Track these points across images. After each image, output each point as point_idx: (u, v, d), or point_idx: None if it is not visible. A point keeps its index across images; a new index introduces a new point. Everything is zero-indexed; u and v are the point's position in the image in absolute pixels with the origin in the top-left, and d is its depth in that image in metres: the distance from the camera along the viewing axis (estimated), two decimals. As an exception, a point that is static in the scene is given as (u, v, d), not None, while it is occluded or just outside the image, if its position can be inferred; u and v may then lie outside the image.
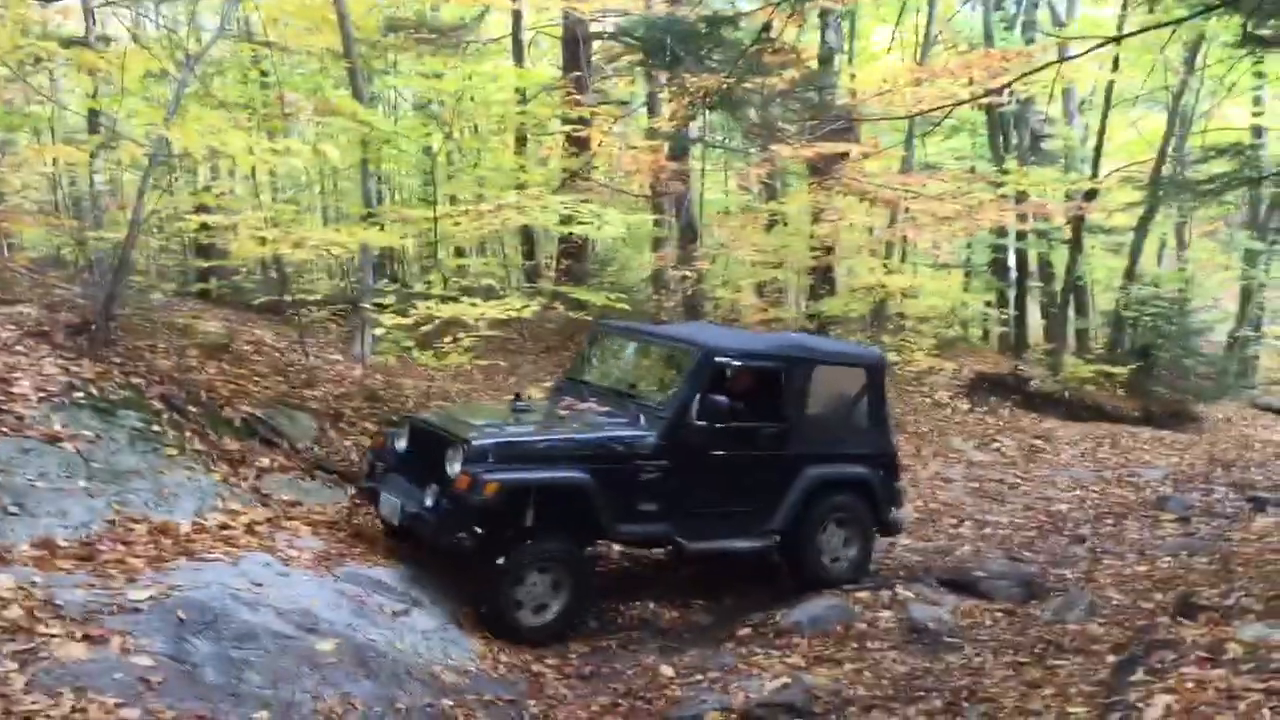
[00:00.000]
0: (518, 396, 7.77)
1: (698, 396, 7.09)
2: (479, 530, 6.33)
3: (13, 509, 5.61)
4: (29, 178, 13.69)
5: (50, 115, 13.64)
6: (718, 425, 7.13)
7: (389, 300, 9.96)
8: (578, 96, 14.05)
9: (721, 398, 7.10)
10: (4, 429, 6.10)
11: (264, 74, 14.65)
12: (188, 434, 7.25)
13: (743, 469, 7.35)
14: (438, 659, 5.81)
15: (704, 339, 7.63)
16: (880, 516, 8.09)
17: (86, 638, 4.33)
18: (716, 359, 7.28)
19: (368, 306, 10.24)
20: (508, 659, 6.31)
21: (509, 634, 6.46)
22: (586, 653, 6.67)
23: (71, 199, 13.88)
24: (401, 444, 7.22)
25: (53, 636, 4.29)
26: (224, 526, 6.47)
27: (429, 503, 6.48)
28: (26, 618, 4.40)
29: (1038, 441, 14.65)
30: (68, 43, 10.97)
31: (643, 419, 7.12)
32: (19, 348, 7.08)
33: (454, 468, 6.46)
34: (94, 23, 12.73)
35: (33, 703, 3.79)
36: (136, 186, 8.72)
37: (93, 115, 10.63)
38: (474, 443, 6.48)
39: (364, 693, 4.93)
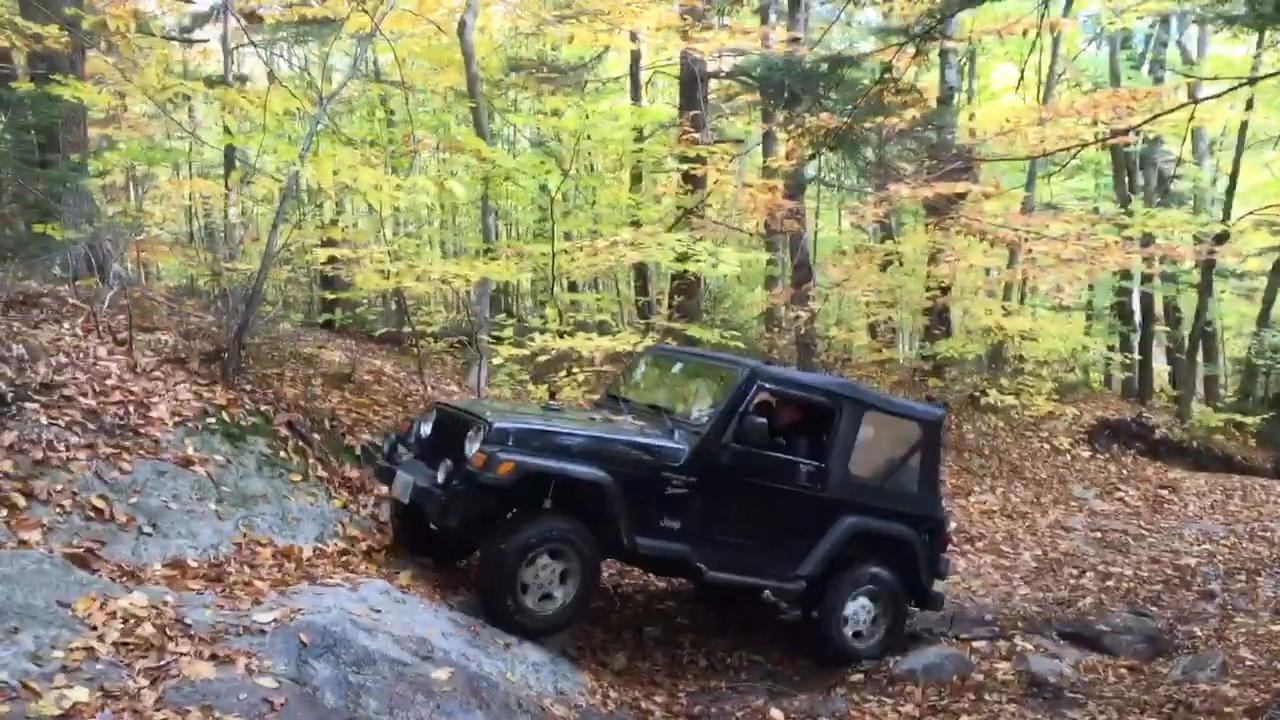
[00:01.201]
0: (552, 395, 7.43)
1: (737, 417, 6.77)
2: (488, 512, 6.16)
3: (147, 529, 5.83)
4: (168, 210, 14.32)
5: (189, 151, 14.27)
6: (755, 450, 6.81)
7: (505, 333, 10.12)
8: (694, 134, 14.13)
9: (762, 419, 6.79)
10: (142, 451, 6.35)
11: (391, 112, 15.10)
12: (311, 461, 7.45)
13: (776, 503, 6.98)
14: (548, 692, 5.83)
15: (753, 363, 7.38)
16: (919, 586, 7.55)
17: (214, 657, 4.45)
18: (761, 381, 6.99)
19: (484, 338, 10.42)
20: (616, 695, 6.30)
21: (507, 620, 6.13)
22: (695, 692, 6.63)
23: (206, 231, 14.46)
24: (426, 429, 7.03)
25: (182, 655, 4.42)
26: (343, 552, 6.63)
27: (440, 478, 6.24)
28: (158, 635, 4.54)
29: (1163, 492, 14.14)
30: (211, 82, 11.46)
31: (677, 434, 6.80)
32: (157, 374, 7.37)
33: (472, 447, 6.21)
34: (232, 63, 13.30)
35: (162, 718, 3.90)
36: (269, 220, 9.04)
37: (229, 151, 11.08)
38: (495, 424, 6.24)
39: (477, 722, 4.96)
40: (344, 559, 6.52)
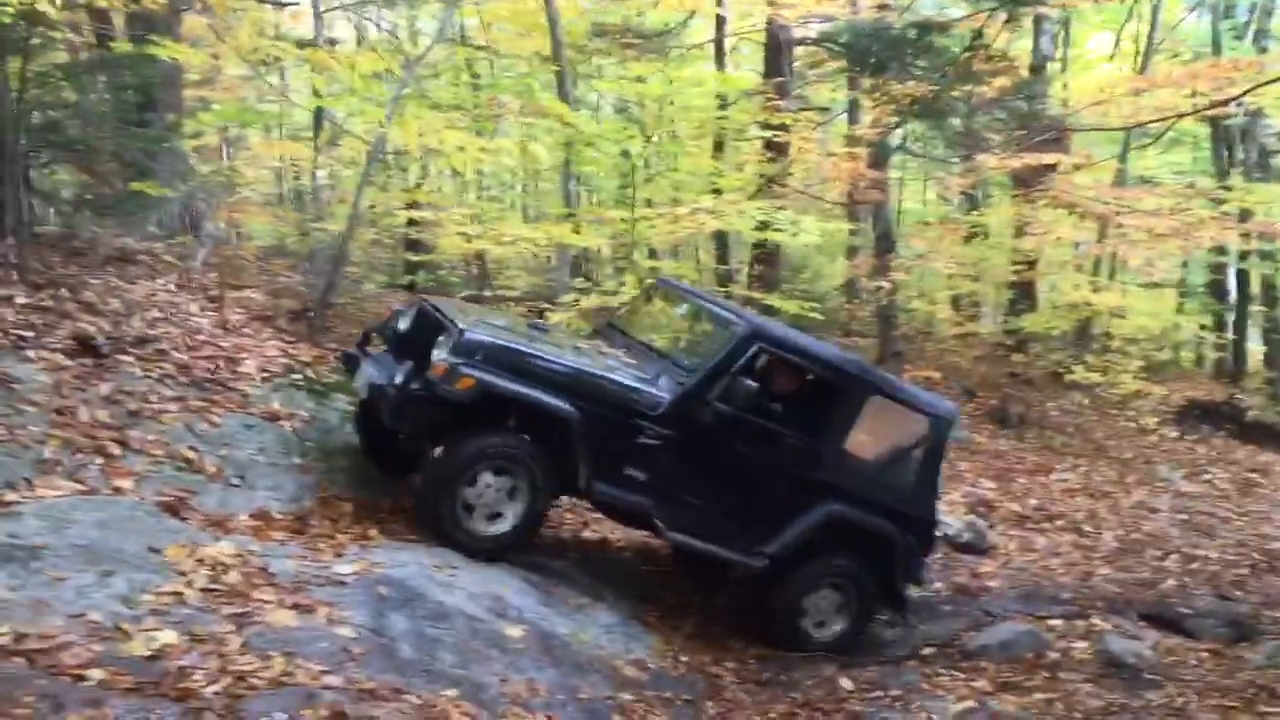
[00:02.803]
0: (540, 315, 6.79)
1: (728, 376, 6.32)
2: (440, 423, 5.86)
3: (235, 480, 6.00)
4: (259, 171, 14.59)
5: (279, 113, 14.51)
6: (741, 413, 6.34)
7: (584, 298, 10.16)
8: (778, 102, 13.98)
9: (753, 382, 6.30)
10: (231, 405, 6.53)
11: (476, 76, 15.17)
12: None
13: (754, 472, 6.55)
14: (618, 653, 5.90)
15: (756, 320, 6.85)
16: (892, 587, 7.08)
17: (296, 606, 4.58)
18: (760, 343, 6.51)
19: (564, 303, 10.48)
20: (687, 659, 6.36)
21: (447, 536, 5.86)
22: (765, 659, 6.65)
23: (295, 192, 14.71)
24: (404, 324, 6.72)
25: (265, 602, 4.56)
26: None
27: (398, 379, 5.94)
28: (244, 583, 4.69)
29: (1253, 475, 13.77)
30: (302, 44, 11.63)
31: (663, 380, 6.36)
32: (246, 330, 7.56)
33: (439, 354, 5.92)
34: (323, 26, 13.46)
35: (246, 663, 4.02)
36: (356, 182, 9.18)
37: (318, 113, 11.24)
38: (467, 335, 5.90)
39: (548, 680, 5.04)
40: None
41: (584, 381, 6.11)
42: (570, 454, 6.05)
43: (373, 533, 5.92)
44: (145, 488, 5.51)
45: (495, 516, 5.99)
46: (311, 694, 3.88)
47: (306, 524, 5.86)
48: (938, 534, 7.70)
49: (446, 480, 5.86)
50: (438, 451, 5.93)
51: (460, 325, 6.01)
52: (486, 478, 5.91)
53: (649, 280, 8.97)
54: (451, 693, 4.40)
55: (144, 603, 4.28)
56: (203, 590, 4.51)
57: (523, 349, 6.09)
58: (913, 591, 7.30)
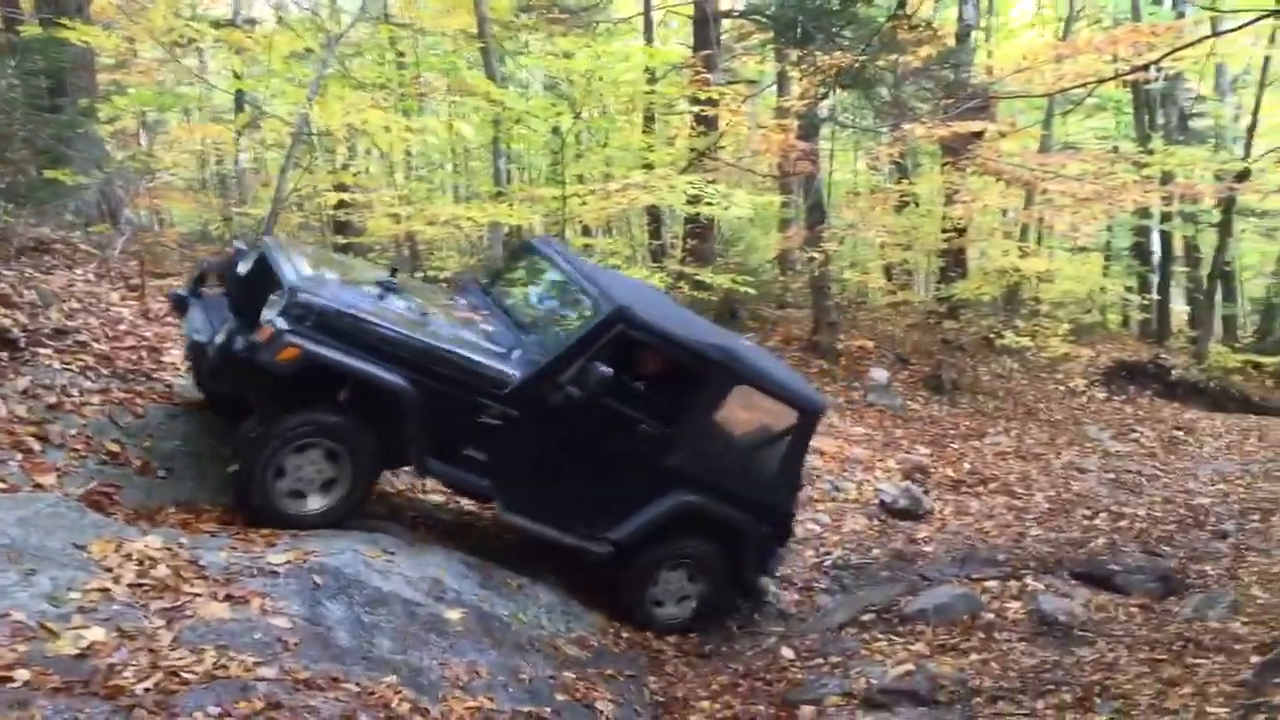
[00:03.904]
0: (394, 272, 6.34)
1: (583, 359, 5.92)
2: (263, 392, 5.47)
3: (161, 473, 5.87)
4: (179, 156, 14.28)
5: (198, 95, 14.19)
6: (594, 400, 5.95)
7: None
8: (707, 75, 13.97)
9: (608, 370, 5.86)
10: (155, 396, 6.39)
11: (400, 54, 14.96)
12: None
13: (605, 461, 6.24)
14: (560, 632, 5.90)
15: (624, 298, 6.24)
16: (741, 577, 6.92)
17: (228, 598, 4.50)
18: (623, 326, 6.07)
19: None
20: (628, 635, 6.38)
21: (255, 515, 5.50)
22: (707, 632, 6.69)
23: (217, 176, 14.42)
24: (245, 267, 6.14)
25: (196, 596, 4.47)
26: (357, 495, 6.66)
27: (219, 337, 5.51)
28: (173, 577, 4.59)
29: (1179, 433, 14.11)
30: (217, 24, 11.38)
31: (516, 356, 6.01)
32: (169, 320, 7.39)
33: (267, 314, 5.43)
34: (240, 5, 13.18)
35: (178, 657, 3.95)
36: (279, 165, 9.01)
37: (239, 95, 11.02)
38: (299, 297, 5.42)
39: (489, 662, 5.02)
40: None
41: (425, 355, 5.67)
42: (402, 432, 5.66)
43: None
44: (68, 483, 5.37)
45: (314, 494, 5.62)
46: (246, 686, 3.82)
47: (237, 515, 5.75)
48: (795, 525, 7.48)
49: (259, 458, 5.44)
50: (251, 426, 5.55)
51: (296, 283, 5.51)
52: (307, 455, 5.55)
53: (522, 239, 8.58)
54: (391, 679, 4.37)
55: (70, 600, 4.17)
56: (131, 585, 4.40)
57: (360, 315, 5.58)
58: (853, 559, 7.38)
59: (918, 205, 17.09)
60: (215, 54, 14.47)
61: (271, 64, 8.94)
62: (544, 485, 6.15)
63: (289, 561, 4.99)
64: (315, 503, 5.62)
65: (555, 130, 14.58)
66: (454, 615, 5.25)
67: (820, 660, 6.16)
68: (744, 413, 6.77)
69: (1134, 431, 14.01)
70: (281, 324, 5.32)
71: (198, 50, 13.35)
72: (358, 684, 4.20)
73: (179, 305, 6.27)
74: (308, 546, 5.26)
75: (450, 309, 6.46)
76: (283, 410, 5.49)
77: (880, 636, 6.50)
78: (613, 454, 6.25)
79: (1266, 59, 18.36)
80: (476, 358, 5.85)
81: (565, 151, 12.91)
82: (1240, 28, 14.21)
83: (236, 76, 10.13)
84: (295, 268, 5.73)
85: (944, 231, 15.92)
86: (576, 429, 6.05)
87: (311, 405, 5.56)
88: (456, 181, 20.28)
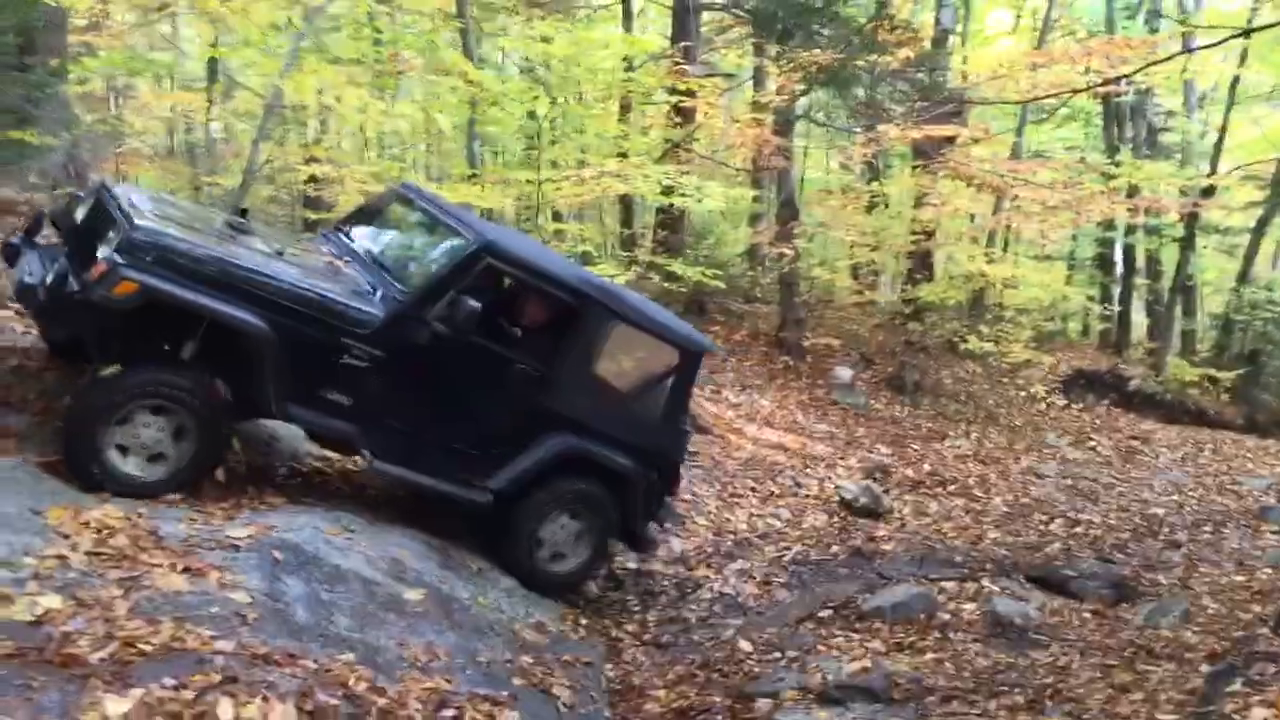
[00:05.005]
0: (243, 212, 6.03)
1: (450, 293, 5.70)
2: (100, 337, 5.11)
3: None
4: (148, 122, 14.08)
5: (171, 62, 13.99)
6: (464, 336, 5.74)
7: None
8: (685, 66, 13.96)
9: (476, 303, 5.66)
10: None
11: (378, 31, 14.82)
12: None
13: (479, 403, 6.01)
14: (519, 616, 5.89)
15: (491, 234, 6.07)
16: (630, 526, 6.73)
17: (187, 570, 4.45)
18: (491, 259, 5.87)
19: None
20: (587, 622, 6.38)
21: (91, 483, 5.04)
22: (666, 622, 6.71)
23: (186, 145, 14.24)
24: (82, 213, 5.69)
25: (155, 566, 4.41)
26: (319, 473, 6.62)
27: (49, 278, 5.14)
28: (131, 546, 4.53)
29: (1135, 442, 14.30)
30: (193, -10, 11.21)
31: (379, 296, 5.74)
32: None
33: (103, 250, 5.05)
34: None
35: (135, 628, 3.89)
36: (251, 136, 8.91)
37: (212, 65, 10.87)
38: (137, 232, 5.02)
39: (448, 643, 5.00)
40: (320, 480, 6.52)
41: (279, 293, 5.32)
42: (258, 376, 5.32)
43: (269, 495, 5.78)
44: (26, 447, 5.28)
45: (155, 458, 5.21)
46: (202, 659, 3.78)
47: (199, 485, 5.69)
48: (684, 471, 7.24)
49: (90, 419, 5.05)
50: (83, 383, 5.19)
51: (134, 218, 5.12)
52: (143, 417, 5.14)
53: (389, 185, 8.11)
54: (348, 657, 4.34)
55: (26, 566, 4.10)
56: (88, 554, 4.34)
57: (206, 250, 5.23)
58: (813, 555, 7.42)
59: (888, 206, 17.19)
60: (189, 20, 14.28)
61: (248, 34, 8.82)
62: (416, 431, 5.89)
63: (249, 536, 4.95)
64: (155, 469, 5.21)
65: (531, 114, 14.52)
66: (414, 595, 5.23)
67: (777, 654, 6.19)
68: (624, 354, 6.57)
69: (1091, 440, 14.18)
70: (117, 258, 4.92)
71: (172, 16, 13.18)
72: (314, 661, 4.16)
73: (9, 256, 5.77)
74: (268, 521, 5.22)
75: (310, 251, 6.18)
76: (120, 363, 5.09)
77: (838, 633, 6.54)
78: (488, 397, 6.01)
79: (1236, 78, 18.62)
80: (336, 295, 5.55)
81: (541, 136, 12.85)
82: (1212, 45, 14.43)
83: (211, 44, 9.98)
84: (135, 206, 5.35)
85: (912, 234, 16.02)
86: (448, 370, 5.84)
87: (152, 360, 5.22)
88: (429, 161, 20.15)
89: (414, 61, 13.98)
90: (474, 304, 5.63)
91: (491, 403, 6.04)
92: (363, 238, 6.55)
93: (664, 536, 8.03)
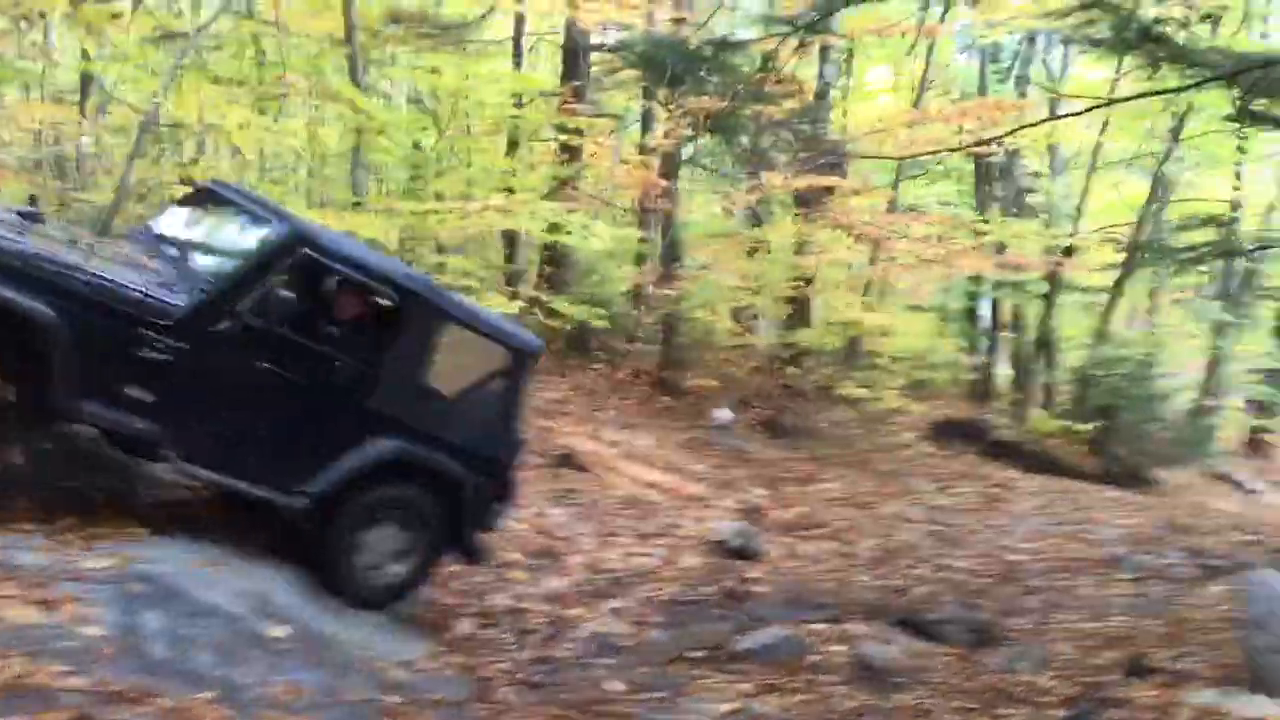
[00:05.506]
0: (33, 200, 5.64)
1: (261, 285, 5.46)
2: None
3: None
4: (14, 134, 13.53)
5: (41, 72, 13.47)
6: (275, 330, 5.50)
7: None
8: (574, 105, 14.07)
9: (289, 295, 5.52)
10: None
11: (262, 53, 14.57)
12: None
13: (295, 402, 5.71)
14: (387, 654, 5.78)
15: (304, 226, 5.89)
16: (460, 534, 6.43)
17: (40, 602, 4.27)
18: (303, 248, 5.62)
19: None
20: (459, 660, 6.28)
21: None
22: (538, 661, 6.65)
23: (55, 159, 13.71)
24: None
25: (6, 598, 4.22)
26: (184, 503, 6.41)
27: None
28: (-20, 576, 4.34)
29: (997, 490, 14.73)
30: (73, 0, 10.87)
31: (184, 287, 5.43)
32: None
33: None
34: (96, -16, 12.62)
35: (-19, 662, 3.73)
36: (125, 152, 8.65)
37: (85, 77, 10.52)
38: None
39: (312, 681, 4.88)
40: (185, 512, 6.30)
41: (70, 279, 4.98)
42: (45, 369, 4.93)
43: (131, 525, 5.57)
44: None
45: None
46: (52, 696, 3.63)
47: (56, 516, 5.45)
48: (518, 478, 6.92)
49: None
50: None
51: None
52: None
53: (200, 184, 7.61)
54: (206, 695, 4.20)
55: None
56: (-69, 584, 4.14)
57: None
58: (686, 595, 7.44)
59: (769, 252, 17.52)
60: (64, 30, 13.81)
61: (126, 48, 8.59)
62: (226, 431, 5.55)
63: (107, 567, 4.78)
64: None
65: (417, 145, 14.42)
66: (279, 632, 5.09)
67: (648, 695, 6.18)
68: (452, 355, 6.26)
69: (957, 486, 14.58)
70: None
71: (45, 24, 12.72)
72: (171, 698, 4.02)
73: None
74: (128, 552, 5.03)
75: (113, 245, 5.91)
76: None
77: (709, 673, 6.57)
78: (304, 396, 5.72)
79: (1098, 144, 19.58)
80: (134, 283, 5.24)
81: (427, 167, 12.77)
82: (1078, 114, 15.17)
83: (86, 56, 9.67)
84: None
85: (792, 280, 16.36)
86: (260, 366, 5.53)
87: None
88: (311, 186, 19.79)
89: (300, 85, 13.79)
90: (287, 295, 5.46)
91: (309, 403, 5.76)
92: (172, 232, 6.28)
93: (536, 576, 8.00)
